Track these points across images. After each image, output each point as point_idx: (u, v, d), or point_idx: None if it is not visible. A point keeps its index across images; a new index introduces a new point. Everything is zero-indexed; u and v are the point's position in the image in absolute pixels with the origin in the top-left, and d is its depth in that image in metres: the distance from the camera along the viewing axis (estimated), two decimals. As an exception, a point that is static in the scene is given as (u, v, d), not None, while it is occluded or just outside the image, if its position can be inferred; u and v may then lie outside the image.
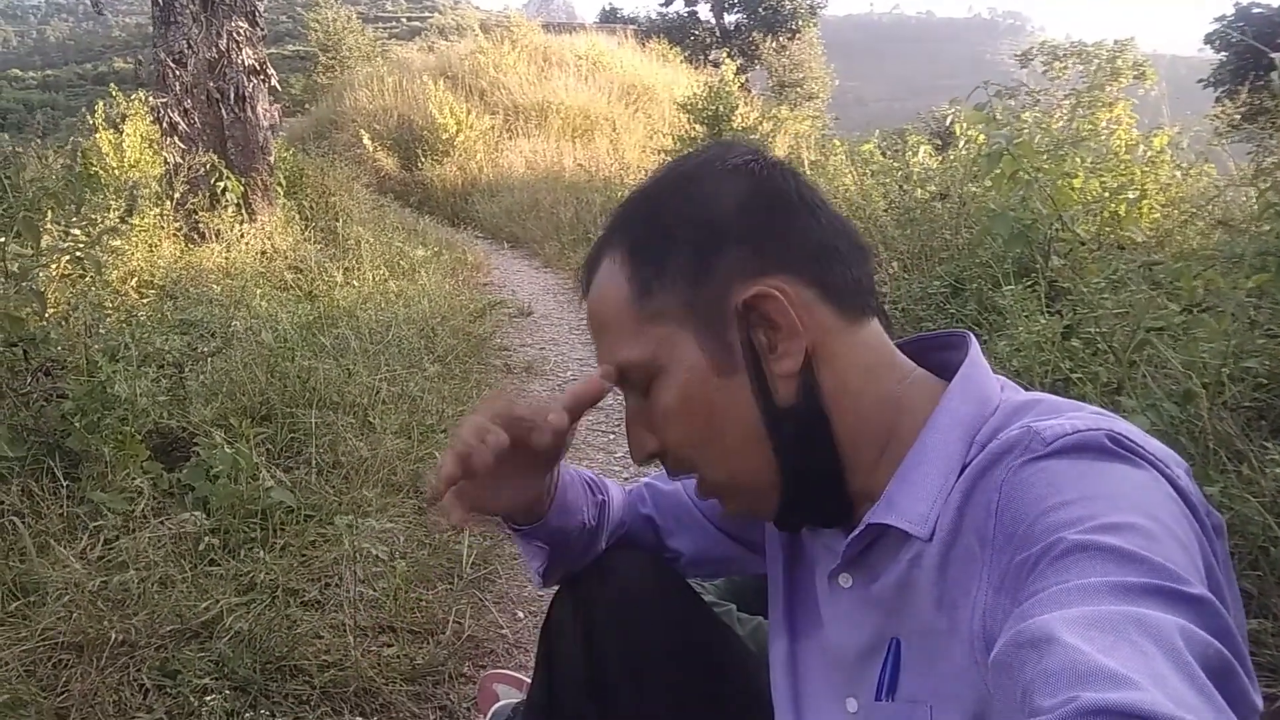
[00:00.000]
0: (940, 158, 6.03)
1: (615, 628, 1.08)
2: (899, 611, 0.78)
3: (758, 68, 23.63)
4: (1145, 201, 4.54)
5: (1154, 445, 0.69)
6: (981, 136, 4.86)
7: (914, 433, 0.78)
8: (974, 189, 4.50)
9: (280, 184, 7.21)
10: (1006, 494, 0.67)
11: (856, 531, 0.80)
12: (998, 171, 3.79)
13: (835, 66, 26.27)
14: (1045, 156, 4.11)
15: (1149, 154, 5.53)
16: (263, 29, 6.62)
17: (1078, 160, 4.36)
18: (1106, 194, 4.27)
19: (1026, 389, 0.85)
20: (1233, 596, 0.68)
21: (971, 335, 0.85)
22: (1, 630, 1.83)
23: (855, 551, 0.82)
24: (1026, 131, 4.18)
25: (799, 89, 22.53)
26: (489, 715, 1.74)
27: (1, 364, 2.84)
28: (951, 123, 6.03)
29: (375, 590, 2.25)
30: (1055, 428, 0.69)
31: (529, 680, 1.84)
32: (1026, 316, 2.70)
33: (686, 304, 0.78)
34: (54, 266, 3.71)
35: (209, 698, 1.76)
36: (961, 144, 5.42)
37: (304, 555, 2.38)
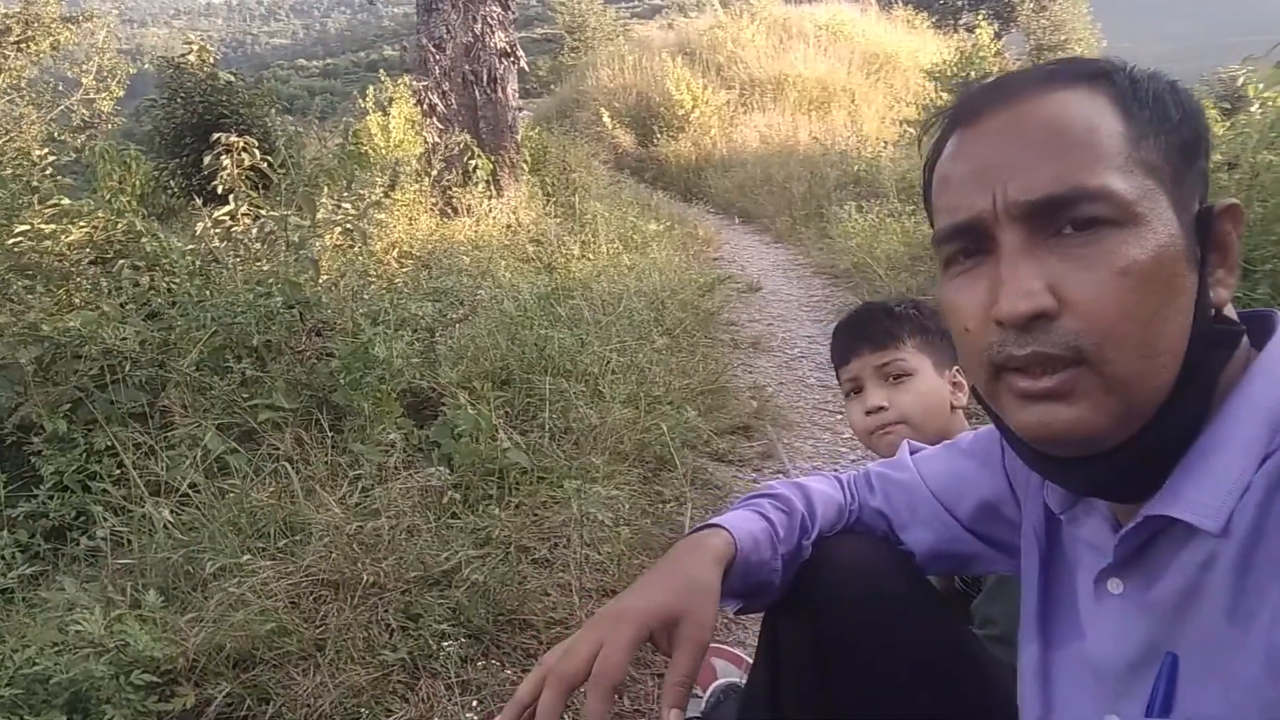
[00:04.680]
0: (1228, 123, 5.35)
1: (844, 615, 1.02)
2: (1179, 621, 0.69)
3: (1013, 30, 22.03)
4: None
5: None
6: (1282, 98, 4.27)
7: (1208, 419, 0.69)
8: (1271, 157, 3.94)
9: (525, 161, 7.57)
10: None
11: (1132, 524, 0.71)
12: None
13: (1102, 26, 24.03)
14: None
15: None
16: (513, 12, 6.95)
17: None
18: None
19: None
20: None
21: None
22: (272, 564, 2.03)
23: (1130, 549, 0.73)
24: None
25: (1060, 52, 20.80)
26: (708, 691, 1.73)
27: (281, 324, 3.16)
28: (1243, 84, 5.34)
29: (600, 554, 2.30)
30: None
31: (749, 660, 1.82)
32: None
33: (1175, 177, 0.68)
34: (327, 238, 4.09)
35: (446, 643, 1.87)
36: (1255, 107, 4.77)
37: (535, 515, 2.48)
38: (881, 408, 1.54)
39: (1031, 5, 22.05)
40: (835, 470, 3.06)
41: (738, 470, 3.12)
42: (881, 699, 1.03)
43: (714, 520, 1.02)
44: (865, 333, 1.59)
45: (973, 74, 10.53)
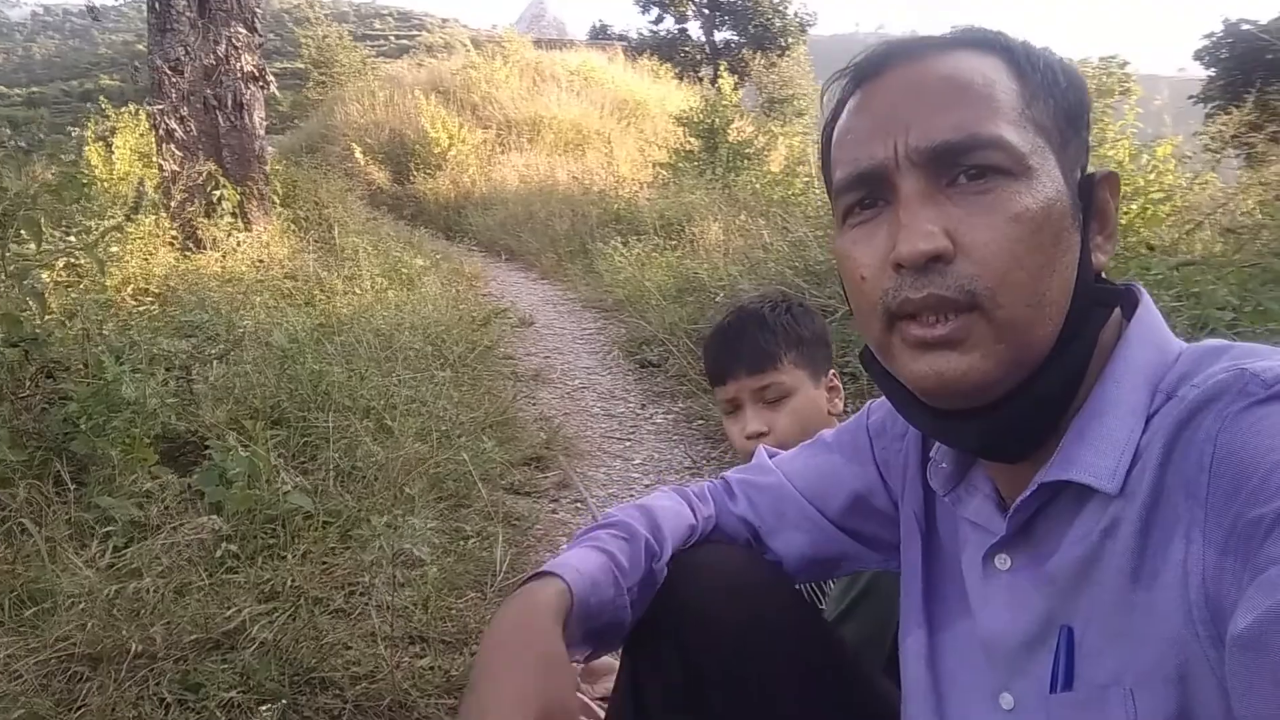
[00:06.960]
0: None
1: (713, 630, 0.95)
2: (1077, 591, 0.69)
3: (748, 84, 23.71)
4: (1151, 210, 4.55)
5: None
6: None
7: (1089, 385, 0.71)
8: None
9: (276, 193, 7.10)
10: (1225, 444, 0.59)
11: (1027, 493, 0.71)
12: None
13: (822, 83, 26.39)
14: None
15: (1153, 164, 5.57)
16: (261, 36, 6.52)
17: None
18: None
19: None
20: None
21: (1141, 286, 0.77)
22: (12, 640, 1.70)
23: (1023, 520, 0.73)
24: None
25: (789, 105, 22.58)
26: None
27: (1, 366, 2.71)
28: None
29: (403, 599, 2.13)
30: (1275, 369, 0.61)
31: (581, 696, 1.72)
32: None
33: (1062, 140, 0.71)
34: (47, 275, 3.60)
35: (264, 709, 1.64)
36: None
37: (325, 563, 2.26)
38: (761, 433, 1.51)
39: (763, 62, 23.82)
40: (632, 496, 3.05)
41: (535, 501, 3.03)
42: (759, 706, 0.97)
43: (545, 567, 0.92)
44: (741, 354, 1.54)
45: (717, 121, 11.16)
